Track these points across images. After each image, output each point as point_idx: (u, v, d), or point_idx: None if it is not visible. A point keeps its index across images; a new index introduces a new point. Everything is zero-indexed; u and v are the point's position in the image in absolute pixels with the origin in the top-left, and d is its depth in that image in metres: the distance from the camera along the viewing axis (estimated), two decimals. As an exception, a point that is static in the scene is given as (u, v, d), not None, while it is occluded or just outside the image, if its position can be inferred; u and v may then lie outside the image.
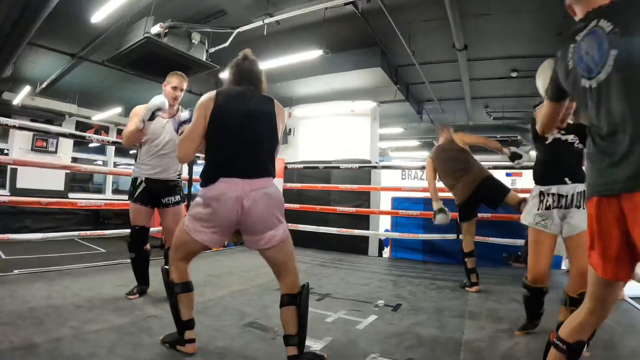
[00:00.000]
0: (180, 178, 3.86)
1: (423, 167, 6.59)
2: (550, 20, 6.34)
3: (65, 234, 4.83)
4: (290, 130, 9.10)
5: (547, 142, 2.96)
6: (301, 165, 7.91)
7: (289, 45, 6.74)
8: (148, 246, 3.81)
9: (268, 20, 5.88)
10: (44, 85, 9.10)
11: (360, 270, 5.33)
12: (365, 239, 7.30)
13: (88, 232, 5.11)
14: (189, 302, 2.51)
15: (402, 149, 15.41)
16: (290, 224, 6.49)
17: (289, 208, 7.08)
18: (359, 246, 7.22)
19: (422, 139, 13.56)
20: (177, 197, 3.78)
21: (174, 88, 3.66)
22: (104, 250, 7.54)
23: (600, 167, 1.56)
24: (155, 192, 3.68)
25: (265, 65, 7.18)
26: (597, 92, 1.56)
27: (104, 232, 5.13)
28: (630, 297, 4.20)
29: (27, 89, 8.96)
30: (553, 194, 2.85)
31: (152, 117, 3.38)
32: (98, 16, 5.56)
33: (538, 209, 2.91)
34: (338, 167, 7.24)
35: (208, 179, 2.29)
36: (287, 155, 8.81)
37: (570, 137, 2.90)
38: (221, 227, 2.31)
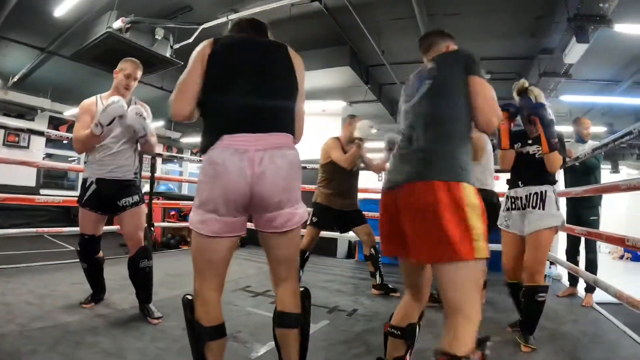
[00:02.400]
0: (137, 177, 3.42)
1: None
2: (523, 22, 6.37)
3: (21, 230, 4.75)
4: (261, 130, 9.08)
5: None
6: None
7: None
8: (101, 253, 3.44)
9: (233, 16, 5.82)
10: (15, 79, 9.02)
11: (323, 272, 5.31)
12: (334, 240, 7.20)
13: (46, 229, 5.10)
14: (221, 351, 1.87)
15: (378, 150, 15.29)
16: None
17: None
18: (327, 248, 7.11)
19: (396, 140, 13.37)
20: (136, 197, 3.29)
21: (128, 76, 3.27)
22: (72, 248, 7.44)
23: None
24: (109, 196, 3.22)
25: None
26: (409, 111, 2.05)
27: (62, 229, 5.07)
28: (598, 304, 4.20)
29: (-2, 82, 8.84)
30: (511, 197, 3.20)
31: (112, 122, 2.98)
32: (61, 10, 5.51)
33: (503, 210, 3.29)
34: (305, 167, 7.02)
35: (208, 142, 1.77)
36: (258, 155, 8.72)
37: (533, 148, 3.09)
38: (230, 202, 1.73)
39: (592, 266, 4.49)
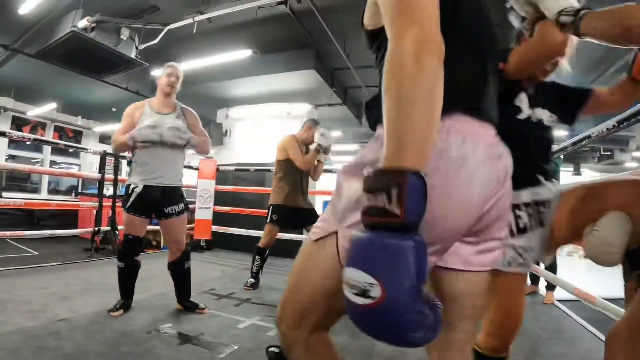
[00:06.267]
0: (182, 183, 3.57)
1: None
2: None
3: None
4: (226, 131, 9.07)
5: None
6: (233, 167, 7.76)
7: (221, 45, 6.71)
8: (140, 258, 3.47)
9: (198, 17, 5.79)
10: (-23, 78, 8.78)
11: (285, 274, 5.31)
12: (299, 242, 7.09)
13: (9, 233, 4.98)
14: None
15: (342, 153, 15.30)
16: (223, 227, 6.37)
17: (221, 211, 7.02)
18: (293, 250, 6.97)
19: (362, 142, 13.53)
20: (182, 206, 3.46)
21: (169, 75, 3.41)
22: (36, 253, 7.27)
23: None
24: (153, 201, 3.33)
25: (195, 64, 7.14)
26: None
27: (24, 232, 4.98)
28: (559, 301, 4.29)
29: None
30: (528, 204, 1.66)
31: (146, 142, 3.23)
32: (26, 7, 5.42)
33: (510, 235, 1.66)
34: (269, 170, 6.90)
35: None
36: (222, 156, 8.80)
37: (545, 115, 1.84)
38: None
39: (551, 265, 4.60)
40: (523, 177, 1.49)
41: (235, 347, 2.72)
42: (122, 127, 3.32)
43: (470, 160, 0.97)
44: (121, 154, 3.54)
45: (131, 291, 3.45)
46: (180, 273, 3.53)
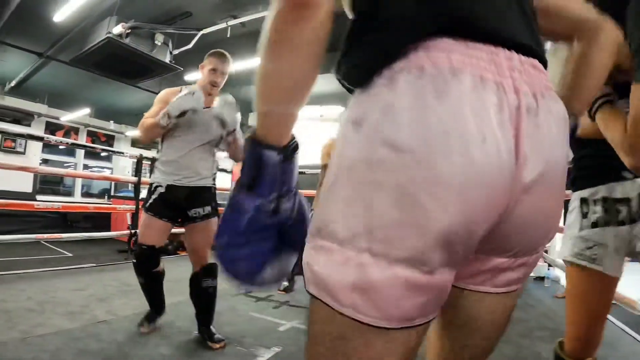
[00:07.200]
0: (214, 183, 3.04)
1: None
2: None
3: (21, 236, 4.74)
4: (257, 135, 9.07)
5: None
6: (267, 170, 7.58)
7: (254, 48, 6.55)
8: (161, 267, 2.97)
9: (232, 22, 5.80)
10: (12, 84, 8.98)
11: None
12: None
13: (46, 235, 5.05)
14: None
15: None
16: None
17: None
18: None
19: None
20: (208, 209, 2.89)
21: (213, 71, 2.91)
22: (70, 254, 7.38)
23: None
24: (178, 204, 2.87)
25: (229, 68, 7.22)
26: None
27: (62, 235, 5.08)
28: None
29: (-5, 87, 8.83)
30: (604, 199, 1.50)
31: (182, 115, 2.64)
32: (60, 15, 5.52)
33: (580, 229, 1.57)
34: (304, 173, 7.04)
35: None
36: (254, 161, 8.69)
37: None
38: None
39: None
40: (603, 174, 1.48)
41: (278, 350, 2.73)
42: (152, 111, 2.86)
43: (468, 104, 0.60)
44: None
45: (161, 303, 3.09)
46: (196, 292, 2.92)
